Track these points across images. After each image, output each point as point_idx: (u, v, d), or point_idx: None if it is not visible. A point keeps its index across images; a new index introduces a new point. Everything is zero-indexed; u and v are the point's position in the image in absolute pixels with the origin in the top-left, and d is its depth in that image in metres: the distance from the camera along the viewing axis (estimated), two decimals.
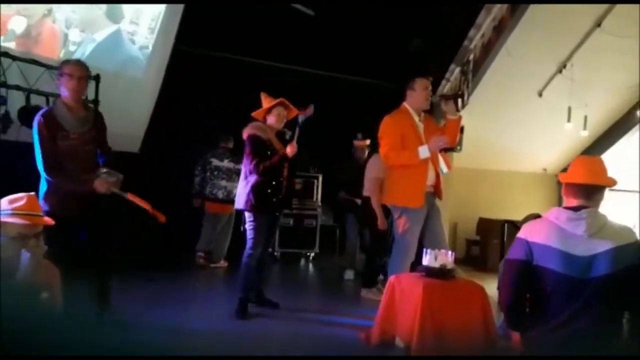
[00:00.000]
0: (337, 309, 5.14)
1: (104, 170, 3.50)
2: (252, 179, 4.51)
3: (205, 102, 7.35)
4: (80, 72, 3.47)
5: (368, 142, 6.39)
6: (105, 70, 5.98)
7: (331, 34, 7.03)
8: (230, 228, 6.74)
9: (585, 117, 8.01)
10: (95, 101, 5.85)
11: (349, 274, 6.47)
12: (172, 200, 7.06)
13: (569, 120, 7.77)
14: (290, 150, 4.51)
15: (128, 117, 6.38)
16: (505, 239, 7.61)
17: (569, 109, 7.71)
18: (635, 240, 2.30)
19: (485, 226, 8.98)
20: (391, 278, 4.12)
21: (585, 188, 2.36)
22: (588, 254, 2.26)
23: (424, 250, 4.07)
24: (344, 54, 7.37)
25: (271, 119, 4.67)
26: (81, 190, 3.42)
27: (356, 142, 6.53)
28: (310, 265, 7.64)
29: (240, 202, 4.58)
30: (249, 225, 4.56)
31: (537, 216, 4.52)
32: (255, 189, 4.49)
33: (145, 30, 6.56)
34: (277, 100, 4.65)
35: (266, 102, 4.69)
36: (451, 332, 3.68)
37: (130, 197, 3.51)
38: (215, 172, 6.63)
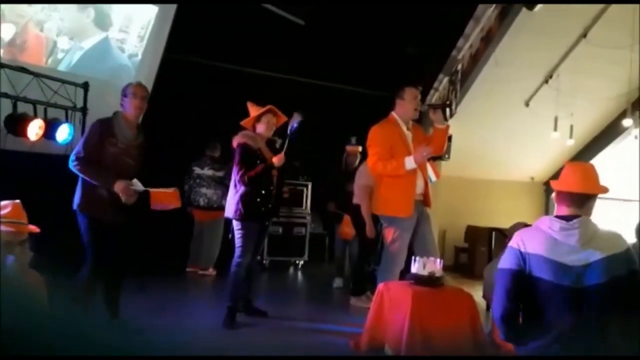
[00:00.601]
0: (327, 317, 5.13)
1: (134, 180, 3.85)
2: (241, 188, 4.49)
3: (195, 110, 7.34)
4: (143, 92, 3.92)
5: (360, 148, 6.36)
6: (93, 78, 5.97)
7: (321, 43, 7.07)
8: (216, 236, 6.76)
9: (572, 127, 8.11)
10: (84, 109, 5.83)
11: (338, 282, 6.46)
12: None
13: (555, 129, 7.86)
14: (277, 160, 4.50)
15: None
16: (492, 247, 7.64)
17: (556, 119, 7.80)
18: (626, 249, 2.30)
19: (473, 234, 9.05)
20: (380, 286, 4.14)
21: (578, 197, 2.35)
22: (581, 264, 2.26)
23: (413, 258, 4.08)
24: (334, 63, 7.41)
25: (260, 128, 4.64)
26: (103, 185, 3.74)
27: (349, 148, 6.49)
28: (299, 273, 7.63)
29: (229, 210, 4.57)
30: (237, 234, 4.54)
31: (525, 225, 4.57)
32: (244, 198, 4.47)
33: (134, 39, 6.55)
34: (266, 108, 4.63)
35: (253, 110, 4.66)
36: (440, 339, 3.70)
37: (152, 193, 3.87)
38: (197, 180, 6.77)
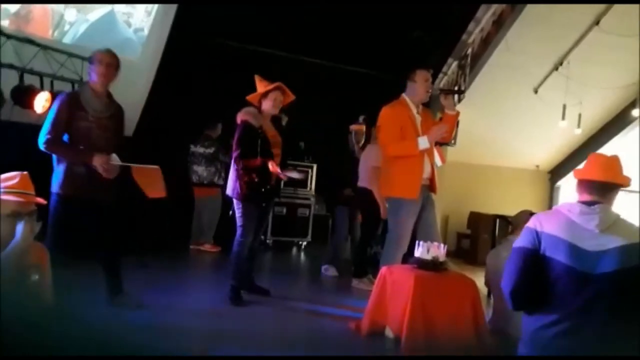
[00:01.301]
0: (328, 299, 5.13)
1: (112, 155, 3.68)
2: (239, 168, 4.41)
3: (202, 87, 7.30)
4: (108, 59, 3.68)
5: (364, 127, 6.24)
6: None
7: (330, 23, 6.99)
8: (212, 211, 6.87)
9: (580, 115, 8.03)
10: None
11: (332, 271, 6.14)
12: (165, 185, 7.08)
13: (563, 117, 7.80)
14: (273, 169, 4.37)
15: (122, 100, 6.20)
16: (496, 234, 7.63)
17: (564, 107, 7.73)
18: None
19: (476, 220, 9.03)
20: (383, 269, 4.13)
21: (599, 185, 2.36)
22: (597, 250, 2.25)
23: (417, 242, 4.08)
24: (343, 44, 7.33)
25: (267, 104, 4.50)
26: (80, 161, 3.58)
27: (355, 127, 6.33)
28: (302, 254, 7.65)
29: (229, 189, 4.52)
30: (238, 213, 4.49)
31: (531, 213, 4.56)
32: (243, 178, 4.39)
33: (141, 13, 6.47)
34: (274, 85, 4.48)
35: (261, 85, 4.51)
36: (441, 324, 3.70)
37: (134, 169, 3.71)
38: (191, 158, 6.89)
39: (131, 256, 5.48)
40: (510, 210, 8.49)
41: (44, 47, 5.33)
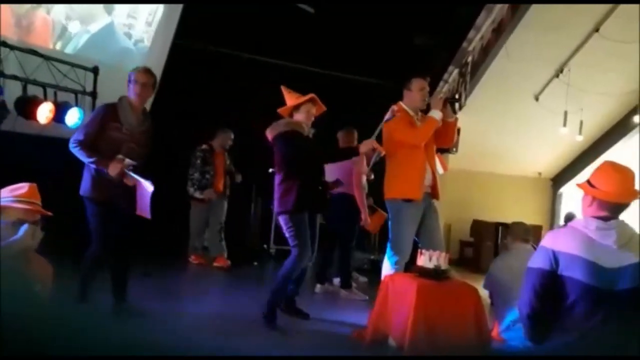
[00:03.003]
0: (330, 306, 5.12)
1: (127, 160, 3.76)
2: (292, 181, 4.15)
3: (205, 97, 7.31)
4: (145, 79, 3.86)
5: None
6: (101, 62, 5.96)
7: (331, 32, 7.02)
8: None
9: (581, 122, 8.05)
10: (93, 93, 5.82)
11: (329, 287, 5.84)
12: (167, 194, 7.08)
13: (564, 124, 7.82)
14: (364, 147, 4.19)
15: None
16: (499, 241, 7.63)
17: (565, 114, 7.75)
18: None
19: (479, 228, 9.03)
20: (385, 277, 4.12)
21: (619, 206, 2.33)
22: (616, 266, 2.21)
23: (419, 250, 4.07)
24: (344, 53, 7.35)
25: (300, 117, 4.27)
26: (98, 163, 3.71)
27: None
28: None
29: (279, 205, 4.23)
30: (289, 232, 4.19)
31: (524, 225, 4.55)
32: (296, 191, 4.13)
33: (142, 24, 6.51)
34: (308, 97, 4.27)
35: (290, 97, 4.31)
36: (444, 333, 3.68)
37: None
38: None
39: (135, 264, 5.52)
40: (514, 218, 8.47)
41: (47, 57, 5.36)
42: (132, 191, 3.77)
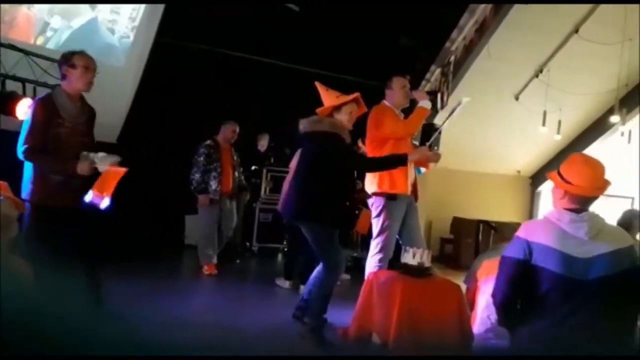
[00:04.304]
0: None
1: (102, 154, 3.44)
2: (328, 190, 3.82)
3: (187, 94, 7.26)
4: (94, 65, 3.54)
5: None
6: None
7: (315, 31, 7.01)
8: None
9: (559, 122, 8.17)
10: None
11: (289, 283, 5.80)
12: (149, 191, 7.04)
13: (543, 124, 7.92)
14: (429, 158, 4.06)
15: (106, 106, 6.21)
16: (480, 238, 7.72)
17: (544, 113, 7.86)
18: (631, 244, 2.35)
19: (459, 225, 9.12)
20: (369, 274, 4.15)
21: (590, 199, 2.42)
22: (587, 256, 2.29)
23: (403, 248, 4.10)
24: (327, 51, 7.36)
25: (342, 118, 3.92)
26: (64, 170, 3.39)
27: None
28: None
29: (312, 215, 3.87)
30: (320, 241, 3.88)
31: (514, 227, 4.62)
32: (333, 204, 3.84)
33: (125, 20, 6.45)
34: (352, 96, 3.94)
35: (329, 96, 3.96)
36: (428, 330, 3.72)
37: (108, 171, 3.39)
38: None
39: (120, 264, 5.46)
40: (493, 215, 8.67)
41: (26, 52, 5.27)
42: (84, 189, 3.43)
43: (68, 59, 3.50)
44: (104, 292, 3.80)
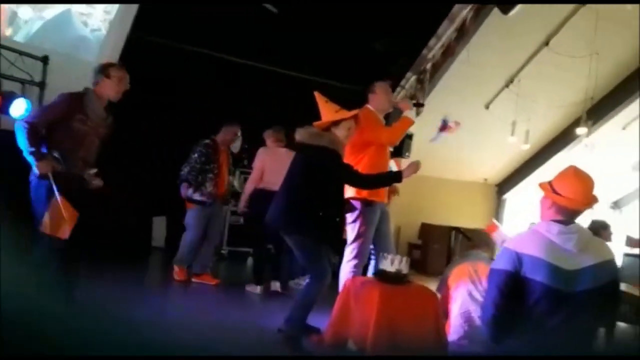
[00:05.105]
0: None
1: (94, 171, 3.79)
2: (319, 204, 3.75)
3: (161, 93, 7.07)
4: (122, 74, 3.84)
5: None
6: (52, 51, 5.70)
7: (292, 33, 6.96)
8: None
9: (527, 131, 8.33)
10: (42, 84, 5.56)
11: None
12: (115, 192, 6.83)
13: (512, 133, 8.06)
14: (410, 171, 4.00)
15: None
16: (451, 245, 7.84)
17: (514, 123, 8.00)
18: (612, 257, 2.41)
19: (427, 231, 9.23)
20: (346, 281, 4.13)
21: (577, 212, 2.45)
22: (575, 268, 2.32)
23: (381, 254, 4.09)
24: (306, 54, 7.31)
25: (340, 134, 3.86)
26: (29, 154, 3.47)
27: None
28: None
29: (301, 227, 3.81)
30: (307, 253, 3.85)
31: (487, 236, 4.68)
32: (322, 219, 3.78)
33: (100, 13, 6.25)
34: (353, 113, 3.88)
35: (327, 109, 3.88)
36: (405, 336, 3.72)
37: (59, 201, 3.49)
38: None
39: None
40: (461, 222, 8.77)
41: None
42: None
43: (105, 68, 3.81)
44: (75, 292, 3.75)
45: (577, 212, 2.46)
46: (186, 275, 5.71)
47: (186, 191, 5.60)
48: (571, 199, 2.41)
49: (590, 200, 2.45)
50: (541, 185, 2.56)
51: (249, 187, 5.71)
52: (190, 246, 5.68)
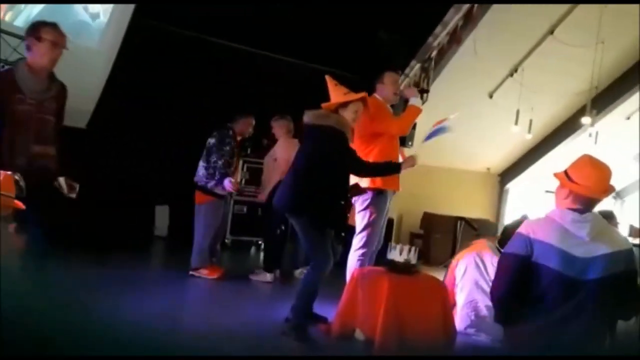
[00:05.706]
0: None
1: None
2: (325, 187, 3.74)
3: (163, 80, 7.00)
4: (63, 40, 3.26)
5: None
6: None
7: (297, 20, 6.88)
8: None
9: (531, 121, 8.32)
10: None
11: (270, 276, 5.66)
12: (116, 181, 6.78)
13: (516, 123, 8.04)
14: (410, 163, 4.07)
15: (76, 88, 5.89)
16: (457, 235, 7.85)
17: (517, 112, 7.98)
18: (630, 248, 2.40)
19: (429, 220, 9.21)
20: (355, 271, 4.11)
21: (594, 200, 2.44)
22: (587, 256, 2.31)
23: (390, 244, 4.07)
24: (307, 41, 7.24)
25: (347, 116, 3.82)
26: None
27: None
28: (262, 253, 7.49)
29: (300, 206, 3.80)
30: (312, 238, 3.82)
31: (495, 225, 4.67)
32: (329, 201, 3.77)
33: None
34: (359, 95, 3.85)
35: (337, 92, 3.86)
36: (414, 327, 3.71)
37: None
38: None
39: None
40: (463, 211, 8.77)
41: None
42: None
43: (35, 29, 3.21)
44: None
45: (594, 201, 2.44)
46: (217, 269, 5.47)
47: (216, 185, 5.28)
48: (589, 186, 2.40)
49: (607, 189, 2.44)
50: (556, 175, 2.54)
51: (275, 179, 5.61)
52: (205, 242, 5.40)
